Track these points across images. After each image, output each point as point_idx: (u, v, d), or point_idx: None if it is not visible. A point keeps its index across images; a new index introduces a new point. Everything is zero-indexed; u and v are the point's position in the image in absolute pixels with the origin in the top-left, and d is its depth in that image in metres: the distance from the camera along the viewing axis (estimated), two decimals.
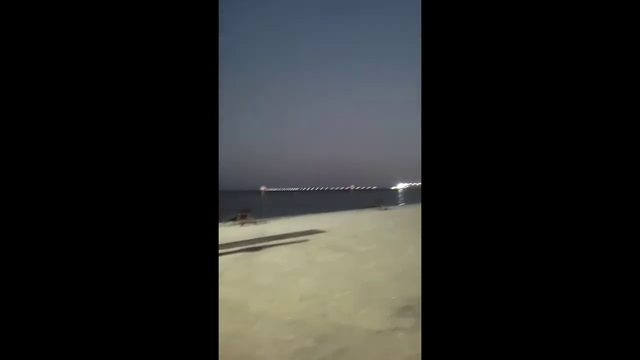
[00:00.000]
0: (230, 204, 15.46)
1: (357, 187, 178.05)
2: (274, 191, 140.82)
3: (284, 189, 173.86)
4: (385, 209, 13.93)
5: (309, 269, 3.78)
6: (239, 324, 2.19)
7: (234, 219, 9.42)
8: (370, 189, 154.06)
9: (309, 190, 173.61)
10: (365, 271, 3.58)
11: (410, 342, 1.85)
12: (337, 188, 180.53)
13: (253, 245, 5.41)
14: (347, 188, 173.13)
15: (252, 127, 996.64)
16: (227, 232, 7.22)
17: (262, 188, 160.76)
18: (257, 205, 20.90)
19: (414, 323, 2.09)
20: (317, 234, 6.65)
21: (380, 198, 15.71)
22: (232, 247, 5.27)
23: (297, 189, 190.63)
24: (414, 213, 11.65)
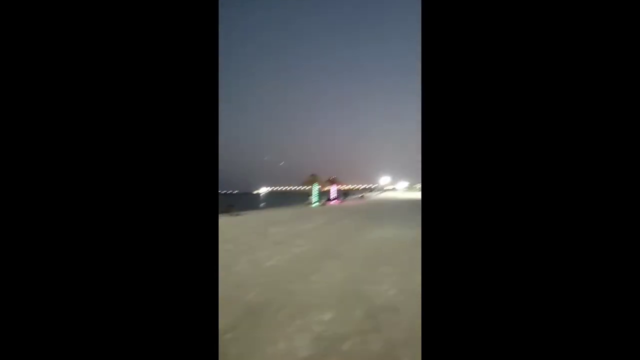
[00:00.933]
0: None
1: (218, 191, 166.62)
2: None
3: None
4: (237, 215, 12.10)
5: None
6: None
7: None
8: (230, 192, 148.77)
9: None
10: None
11: None
12: None
13: None
14: None
15: None
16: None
17: None
18: None
19: None
20: None
21: (232, 203, 14.06)
22: None
23: None
24: (268, 216, 10.86)
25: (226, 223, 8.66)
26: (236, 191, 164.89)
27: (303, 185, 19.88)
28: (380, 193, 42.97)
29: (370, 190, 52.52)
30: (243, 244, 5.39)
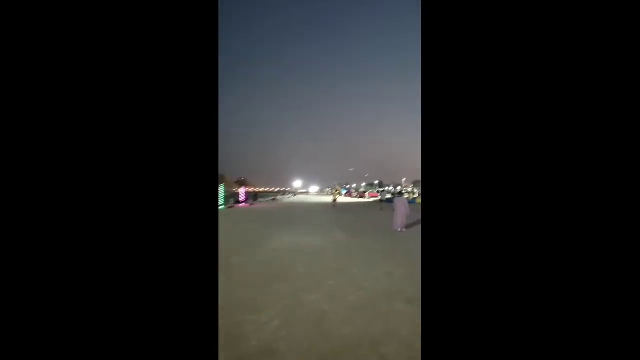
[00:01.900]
0: None
1: None
2: None
3: None
4: None
5: None
6: None
7: None
8: None
9: None
10: None
11: None
12: None
13: None
14: None
15: None
16: None
17: None
18: None
19: None
20: None
21: None
22: None
23: None
24: None
25: None
26: None
27: None
28: (294, 196, 43.25)
29: (284, 193, 52.67)
30: None
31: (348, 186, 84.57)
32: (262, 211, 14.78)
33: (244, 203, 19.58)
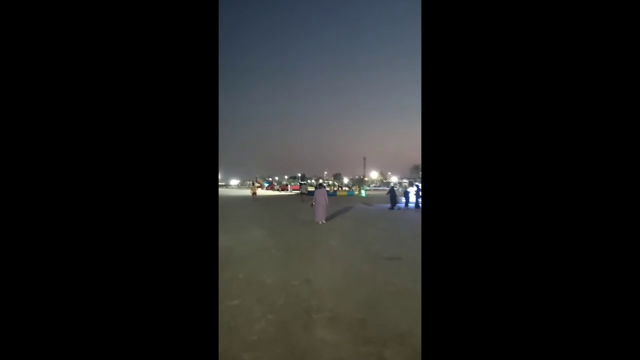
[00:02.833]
0: None
1: None
2: None
3: None
4: None
5: None
6: None
7: None
8: None
9: None
10: None
11: None
12: None
13: None
14: None
15: None
16: None
17: None
18: None
19: None
20: None
21: None
22: None
23: None
24: None
25: None
26: None
27: None
28: None
29: None
30: None
31: (270, 179, 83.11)
32: None
33: None
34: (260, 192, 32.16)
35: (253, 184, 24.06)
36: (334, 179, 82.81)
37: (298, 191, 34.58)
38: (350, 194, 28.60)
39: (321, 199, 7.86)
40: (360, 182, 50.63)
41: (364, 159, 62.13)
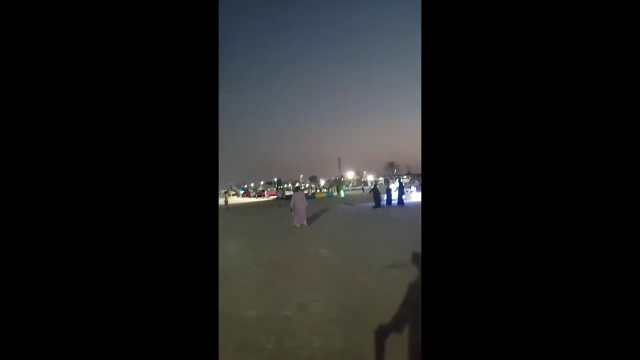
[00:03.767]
0: None
1: None
2: None
3: None
4: None
5: None
6: None
7: None
8: None
9: None
10: None
11: None
12: None
13: None
14: None
15: None
16: None
17: None
18: None
19: None
20: None
21: None
22: None
23: None
24: None
25: None
26: None
27: None
28: None
29: None
30: None
31: (245, 186, 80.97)
32: None
33: None
34: (236, 199, 30.84)
35: (226, 192, 22.95)
36: (310, 182, 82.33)
37: (275, 196, 33.60)
38: (329, 195, 28.18)
39: (300, 202, 7.43)
40: (338, 182, 50.35)
41: (339, 159, 62.03)
